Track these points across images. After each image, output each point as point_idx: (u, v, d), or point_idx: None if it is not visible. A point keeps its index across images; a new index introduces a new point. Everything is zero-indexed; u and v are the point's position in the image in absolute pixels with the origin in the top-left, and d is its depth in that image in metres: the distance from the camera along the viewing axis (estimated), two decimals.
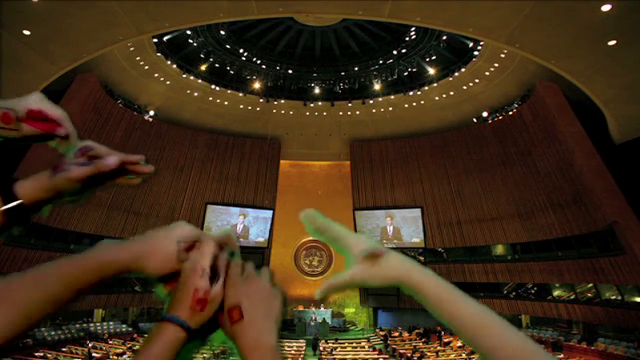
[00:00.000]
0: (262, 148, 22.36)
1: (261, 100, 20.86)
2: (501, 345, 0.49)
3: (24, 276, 0.48)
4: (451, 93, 19.28)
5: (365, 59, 20.31)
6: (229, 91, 20.18)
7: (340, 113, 21.82)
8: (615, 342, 13.03)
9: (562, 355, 13.54)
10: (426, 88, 19.56)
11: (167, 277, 0.58)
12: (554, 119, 15.65)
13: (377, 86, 20.27)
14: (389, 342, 16.85)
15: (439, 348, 15.76)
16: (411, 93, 19.93)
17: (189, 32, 17.20)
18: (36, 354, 12.06)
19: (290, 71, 20.52)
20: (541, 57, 12.96)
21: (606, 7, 9.94)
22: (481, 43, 15.72)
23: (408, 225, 20.89)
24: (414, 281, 0.55)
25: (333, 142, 23.30)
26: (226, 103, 20.68)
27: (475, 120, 20.12)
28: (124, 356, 12.94)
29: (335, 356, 14.23)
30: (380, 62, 19.84)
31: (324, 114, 21.92)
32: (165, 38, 16.82)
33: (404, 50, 18.88)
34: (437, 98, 19.85)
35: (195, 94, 19.86)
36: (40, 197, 0.55)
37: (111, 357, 12.82)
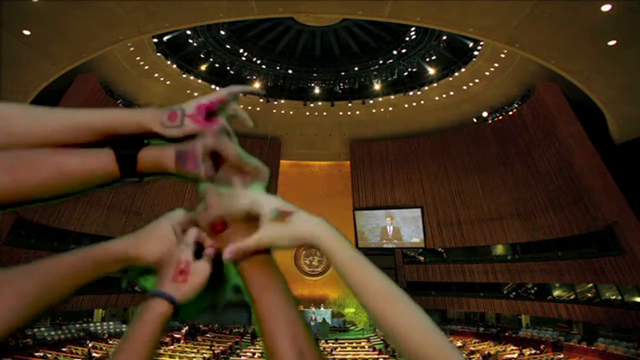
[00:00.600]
0: (262, 148, 22.34)
1: (261, 100, 20.86)
2: (404, 323, 0.48)
3: (24, 268, 0.49)
4: (451, 93, 19.28)
5: (365, 59, 20.31)
6: None
7: (340, 113, 21.82)
8: (615, 342, 13.02)
9: (562, 355, 13.55)
10: (426, 88, 19.56)
11: None
12: (554, 119, 15.65)
13: (377, 86, 20.27)
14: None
15: None
16: (411, 93, 19.93)
17: (189, 32, 17.21)
18: (36, 354, 12.05)
19: (290, 71, 20.52)
20: (541, 57, 12.96)
21: (606, 7, 9.94)
22: (481, 43, 15.72)
23: (408, 225, 20.88)
24: (322, 241, 0.54)
25: (333, 142, 23.30)
26: None
27: (475, 120, 20.12)
28: None
29: (335, 356, 14.22)
30: (380, 62, 19.84)
31: (324, 114, 21.92)
32: (165, 38, 16.82)
33: (404, 50, 18.88)
34: (437, 98, 19.84)
35: (195, 94, 19.83)
36: (156, 172, 0.58)
37: (111, 357, 12.79)
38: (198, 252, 0.58)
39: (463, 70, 17.68)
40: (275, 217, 0.56)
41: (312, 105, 21.44)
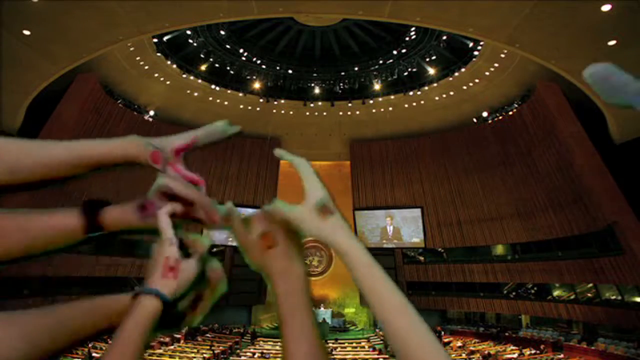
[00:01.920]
0: (262, 148, 22.34)
1: (261, 100, 20.86)
2: (413, 332, 0.50)
3: (37, 311, 0.49)
4: (451, 93, 19.28)
5: (365, 59, 20.31)
6: (229, 91, 20.18)
7: (340, 113, 21.81)
8: (615, 342, 13.02)
9: (562, 355, 13.55)
10: (426, 88, 19.56)
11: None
12: (554, 119, 15.65)
13: (377, 86, 20.27)
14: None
15: None
16: (411, 93, 19.93)
17: (189, 32, 17.21)
18: None
19: (290, 71, 20.52)
20: (541, 57, 12.97)
21: (606, 7, 9.94)
22: (481, 43, 15.72)
23: (408, 225, 20.88)
24: (346, 246, 0.56)
25: (333, 142, 23.30)
26: (226, 103, 20.67)
27: (475, 120, 20.12)
28: None
29: (335, 356, 14.22)
30: (380, 62, 19.84)
31: (324, 114, 21.92)
32: (165, 38, 16.81)
33: (404, 50, 18.88)
34: (437, 98, 19.84)
35: (195, 94, 19.86)
36: (122, 229, 0.60)
37: None
38: (185, 252, 0.60)
39: (463, 70, 17.68)
40: (317, 206, 0.59)
41: (312, 105, 21.44)
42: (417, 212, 20.71)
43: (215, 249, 19.54)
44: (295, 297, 0.56)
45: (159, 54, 16.97)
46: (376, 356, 14.84)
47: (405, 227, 20.94)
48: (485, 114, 19.62)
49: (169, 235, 0.58)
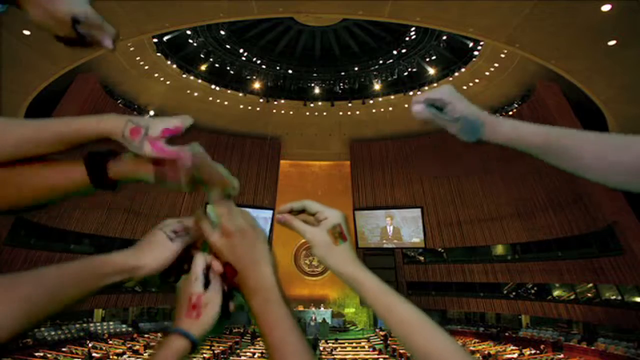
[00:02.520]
0: (262, 148, 22.35)
1: (261, 100, 20.86)
2: (434, 348, 0.51)
3: (28, 274, 0.49)
4: None
5: (365, 59, 20.30)
6: (229, 91, 20.17)
7: (340, 113, 21.81)
8: (615, 342, 13.02)
9: (562, 355, 13.55)
10: (426, 88, 19.54)
11: (171, 269, 0.62)
12: (554, 119, 15.64)
13: (377, 86, 20.26)
14: (389, 342, 16.84)
15: None
16: (411, 93, 19.92)
17: (189, 32, 17.20)
18: (36, 354, 12.05)
19: (290, 71, 20.51)
20: (541, 57, 12.96)
21: (606, 7, 9.94)
22: (481, 43, 15.72)
23: (408, 225, 20.88)
24: (357, 277, 0.58)
25: (333, 142, 23.30)
26: (226, 103, 20.67)
27: None
28: (124, 356, 12.94)
29: (335, 356, 14.22)
30: (380, 62, 19.83)
31: (324, 114, 21.91)
32: (165, 38, 16.81)
33: (404, 50, 18.88)
34: None
35: (195, 94, 19.85)
36: (131, 178, 0.60)
37: (111, 357, 12.81)
38: (207, 282, 0.60)
39: (463, 70, 17.67)
40: (332, 229, 0.61)
41: (312, 105, 21.43)
42: (417, 212, 20.71)
43: None
44: (272, 315, 0.56)
45: (159, 54, 16.97)
46: (376, 356, 14.84)
47: (405, 227, 20.94)
48: None
49: (198, 273, 0.59)
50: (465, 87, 18.61)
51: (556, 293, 16.23)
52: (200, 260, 0.60)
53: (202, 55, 18.37)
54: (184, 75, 18.57)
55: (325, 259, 0.60)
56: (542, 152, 0.56)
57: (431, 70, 19.08)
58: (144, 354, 13.35)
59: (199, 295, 0.57)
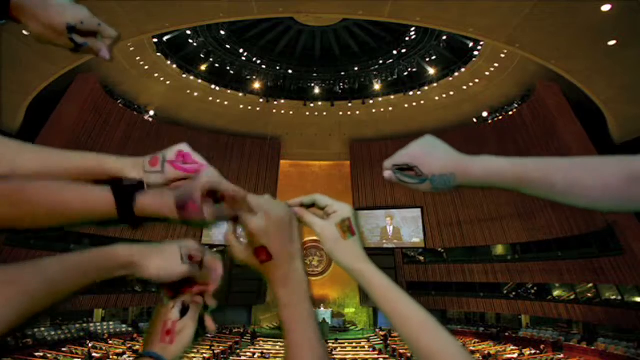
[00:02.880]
0: (262, 148, 22.35)
1: (261, 100, 20.86)
2: (437, 348, 0.52)
3: (29, 264, 0.49)
4: (451, 93, 19.28)
5: (365, 59, 20.31)
6: (229, 91, 20.17)
7: (340, 113, 21.81)
8: (615, 342, 13.02)
9: (562, 355, 13.55)
10: (426, 88, 19.55)
11: (176, 284, 0.62)
12: (554, 119, 15.65)
13: (377, 86, 20.27)
14: (389, 342, 16.84)
15: None
16: (411, 93, 19.92)
17: (189, 32, 17.20)
18: (36, 354, 12.05)
19: (290, 71, 20.51)
20: (541, 57, 12.96)
21: (606, 7, 9.94)
22: (481, 43, 15.71)
23: (408, 225, 20.88)
24: (364, 273, 0.59)
25: (333, 142, 23.30)
26: (226, 103, 20.67)
27: (475, 120, 20.12)
28: (124, 356, 12.94)
29: (335, 356, 14.22)
30: (380, 62, 19.83)
31: (324, 114, 21.91)
32: (165, 38, 16.81)
33: (404, 50, 18.88)
34: (437, 98, 19.84)
35: (195, 94, 19.85)
36: (155, 217, 0.57)
37: (111, 357, 12.82)
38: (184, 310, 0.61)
39: (463, 70, 17.67)
40: (340, 222, 0.61)
41: (312, 105, 21.43)
42: (417, 212, 20.71)
43: (215, 249, 19.53)
44: (298, 308, 0.57)
45: (159, 54, 16.97)
46: (376, 356, 14.84)
47: (405, 227, 20.94)
48: (485, 114, 19.62)
49: (176, 301, 0.60)
50: (465, 87, 18.63)
51: (556, 293, 16.23)
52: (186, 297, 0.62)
53: (202, 55, 18.37)
54: (184, 75, 18.57)
55: (333, 253, 0.61)
56: (516, 187, 0.57)
57: (431, 70, 19.08)
58: None
59: (174, 322, 0.59)
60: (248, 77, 19.96)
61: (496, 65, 16.60)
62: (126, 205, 0.54)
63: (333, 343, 16.59)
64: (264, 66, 20.18)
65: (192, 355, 13.57)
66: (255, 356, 14.08)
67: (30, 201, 0.52)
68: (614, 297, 13.88)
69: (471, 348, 15.15)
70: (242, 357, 14.27)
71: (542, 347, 14.39)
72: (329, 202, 0.65)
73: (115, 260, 0.55)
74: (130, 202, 0.54)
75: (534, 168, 0.54)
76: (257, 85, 20.35)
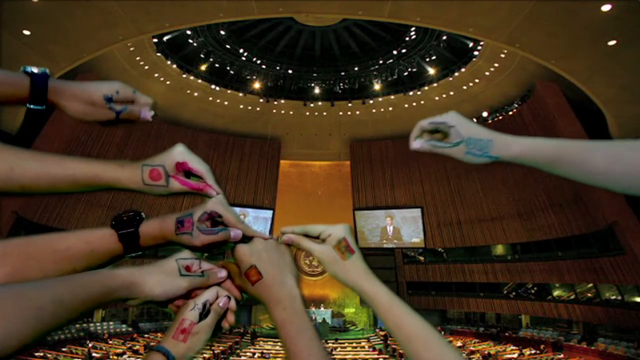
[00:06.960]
0: (262, 148, 22.35)
1: (261, 100, 20.86)
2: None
3: (39, 283, 0.48)
4: (451, 93, 19.28)
5: (365, 59, 20.31)
6: (229, 91, 20.17)
7: (340, 113, 21.81)
8: (615, 342, 13.03)
9: (562, 355, 13.55)
10: (426, 88, 19.56)
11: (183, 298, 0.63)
12: (554, 119, 15.65)
13: (377, 86, 20.27)
14: (389, 342, 16.85)
15: None
16: (411, 93, 19.93)
17: (189, 32, 17.20)
18: (36, 354, 12.04)
19: (290, 71, 20.52)
20: (541, 57, 12.96)
21: (606, 7, 9.94)
22: (481, 43, 15.72)
23: (408, 225, 20.88)
24: (368, 291, 0.59)
25: (333, 142, 23.30)
26: (226, 103, 20.67)
27: (475, 120, 20.00)
28: (124, 356, 12.94)
29: (335, 356, 14.22)
30: (380, 62, 19.83)
31: (324, 114, 21.92)
32: (165, 38, 16.82)
33: (404, 50, 18.88)
34: (437, 98, 19.84)
35: (195, 94, 19.85)
36: (158, 243, 0.62)
37: (111, 357, 12.82)
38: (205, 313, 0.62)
39: (463, 70, 17.68)
40: (336, 244, 0.61)
41: (312, 105, 21.44)
42: (417, 212, 20.71)
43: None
44: (294, 323, 0.57)
45: (159, 54, 16.97)
46: (376, 356, 14.84)
47: (405, 227, 20.94)
48: (485, 114, 19.62)
49: (198, 301, 0.61)
50: (465, 87, 18.63)
51: (556, 293, 16.23)
52: (208, 293, 0.62)
53: (202, 55, 18.37)
54: (184, 75, 18.57)
55: (337, 276, 0.61)
56: (554, 165, 0.57)
57: (431, 70, 19.08)
58: (144, 354, 13.34)
59: (191, 323, 0.59)
60: (248, 77, 19.96)
61: (496, 65, 16.61)
62: (131, 237, 0.59)
63: (333, 343, 16.59)
64: (264, 66, 20.18)
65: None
66: (255, 356, 14.08)
67: (43, 261, 0.54)
68: (614, 297, 13.88)
69: (471, 348, 15.15)
70: (242, 357, 14.27)
71: (542, 347, 14.39)
72: (321, 228, 0.65)
73: (117, 279, 0.56)
74: (134, 234, 0.59)
75: (575, 147, 0.54)
76: (257, 85, 20.36)
